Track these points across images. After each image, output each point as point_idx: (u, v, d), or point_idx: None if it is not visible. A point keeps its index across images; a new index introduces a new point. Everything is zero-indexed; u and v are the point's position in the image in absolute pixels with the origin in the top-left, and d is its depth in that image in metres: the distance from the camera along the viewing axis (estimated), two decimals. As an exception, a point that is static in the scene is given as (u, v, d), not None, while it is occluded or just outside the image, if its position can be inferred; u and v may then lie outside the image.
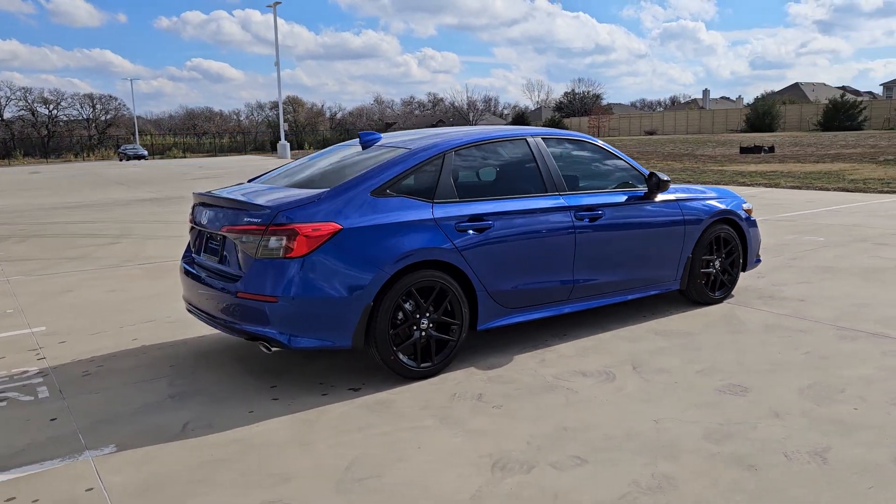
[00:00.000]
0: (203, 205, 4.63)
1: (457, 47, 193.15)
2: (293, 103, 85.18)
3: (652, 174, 5.21)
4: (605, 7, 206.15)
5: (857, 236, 8.83)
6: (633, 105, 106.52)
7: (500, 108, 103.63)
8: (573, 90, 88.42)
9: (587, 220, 4.83)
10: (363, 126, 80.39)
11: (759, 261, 6.17)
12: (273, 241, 3.91)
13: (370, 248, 3.99)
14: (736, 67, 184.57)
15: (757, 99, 69.26)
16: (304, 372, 4.43)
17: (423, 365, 4.20)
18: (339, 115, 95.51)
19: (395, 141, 4.82)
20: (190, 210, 4.89)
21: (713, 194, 5.78)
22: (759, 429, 3.44)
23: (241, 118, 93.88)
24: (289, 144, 47.50)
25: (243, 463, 3.24)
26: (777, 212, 11.40)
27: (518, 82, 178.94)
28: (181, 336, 5.26)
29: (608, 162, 5.37)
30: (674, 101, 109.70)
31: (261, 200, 4.16)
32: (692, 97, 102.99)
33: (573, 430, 3.48)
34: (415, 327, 4.15)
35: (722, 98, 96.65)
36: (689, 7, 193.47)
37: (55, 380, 4.40)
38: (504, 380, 4.21)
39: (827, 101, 55.83)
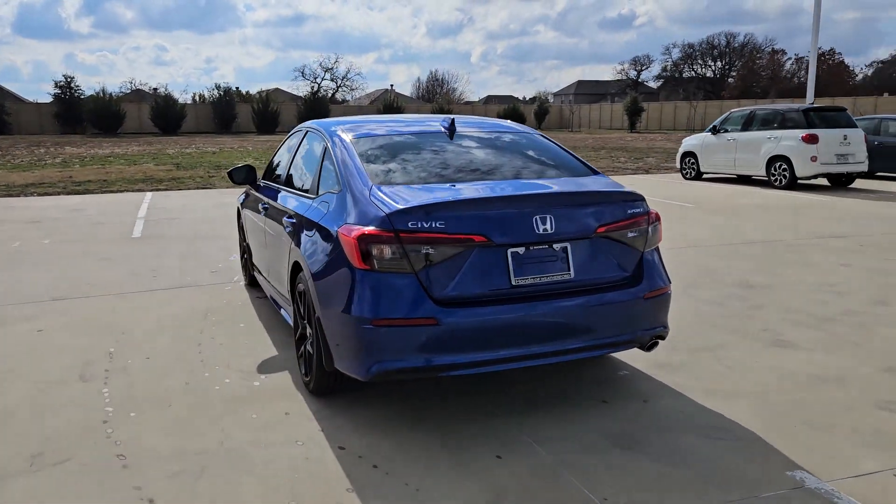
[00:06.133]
0: (519, 209, 3.43)
1: None
2: None
3: None
4: None
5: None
6: None
7: None
8: None
9: None
10: None
11: None
12: (656, 229, 3.83)
13: None
14: None
15: None
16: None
17: None
18: None
19: (486, 126, 4.67)
20: (456, 223, 3.30)
21: None
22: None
23: None
24: None
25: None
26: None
27: None
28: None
29: None
30: None
31: (617, 188, 3.84)
32: None
33: None
34: None
35: None
36: None
37: None
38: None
39: None
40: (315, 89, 63.98)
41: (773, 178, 14.46)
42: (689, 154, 16.60)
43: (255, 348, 4.78)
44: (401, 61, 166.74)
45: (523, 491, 2.96)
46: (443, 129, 4.37)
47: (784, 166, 14.18)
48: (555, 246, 3.47)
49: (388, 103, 56.32)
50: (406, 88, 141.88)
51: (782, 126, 14.46)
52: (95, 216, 11.13)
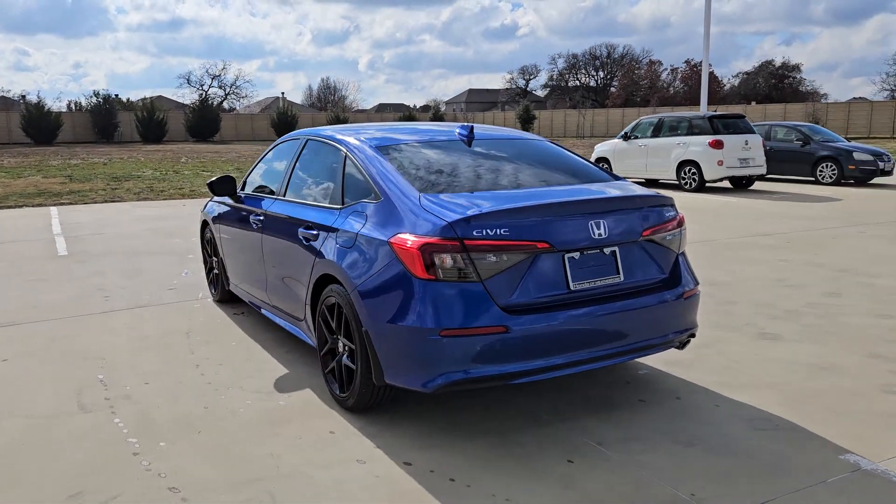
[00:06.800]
0: (576, 214, 3.50)
1: None
2: None
3: None
4: None
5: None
6: None
7: None
8: None
9: None
10: None
11: None
12: (685, 232, 4.00)
13: None
14: None
15: None
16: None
17: None
18: None
19: (501, 135, 4.71)
20: (516, 233, 3.30)
21: None
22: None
23: None
24: None
25: None
26: None
27: None
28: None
29: None
30: None
31: (653, 192, 3.94)
32: None
33: None
34: None
35: None
36: None
37: None
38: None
39: None
40: (203, 97, 61.58)
41: (682, 182, 15.30)
42: (601, 160, 17.28)
43: (260, 367, 4.55)
44: (286, 69, 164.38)
45: (611, 493, 2.98)
46: (459, 137, 4.35)
47: (693, 170, 15.04)
48: (605, 250, 3.56)
49: (282, 112, 55.09)
50: (295, 96, 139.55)
51: (689, 132, 15.34)
52: (3, 234, 10.25)
